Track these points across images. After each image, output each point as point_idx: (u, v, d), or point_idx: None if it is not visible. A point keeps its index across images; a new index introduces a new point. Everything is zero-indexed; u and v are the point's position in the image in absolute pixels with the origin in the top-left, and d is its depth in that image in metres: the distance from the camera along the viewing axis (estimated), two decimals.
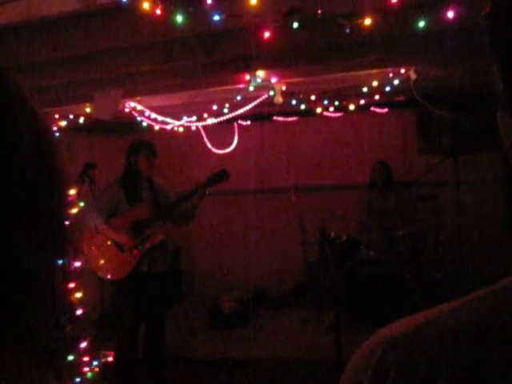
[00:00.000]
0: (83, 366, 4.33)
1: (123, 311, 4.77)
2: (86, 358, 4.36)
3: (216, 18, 2.45)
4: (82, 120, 5.77)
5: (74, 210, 4.67)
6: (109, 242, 4.70)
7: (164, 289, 5.02)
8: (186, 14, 2.48)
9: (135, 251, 4.65)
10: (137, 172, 4.80)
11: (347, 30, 2.62)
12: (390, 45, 3.67)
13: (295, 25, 2.54)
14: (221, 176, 4.92)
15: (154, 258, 4.77)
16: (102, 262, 4.71)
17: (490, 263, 6.32)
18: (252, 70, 4.26)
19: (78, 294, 4.42)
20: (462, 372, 0.55)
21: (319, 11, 2.46)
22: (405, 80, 4.80)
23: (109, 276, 4.75)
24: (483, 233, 6.51)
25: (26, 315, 0.55)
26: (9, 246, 0.54)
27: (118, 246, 4.70)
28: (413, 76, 4.70)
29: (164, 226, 4.86)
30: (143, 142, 4.89)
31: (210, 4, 2.39)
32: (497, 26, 0.61)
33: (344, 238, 6.36)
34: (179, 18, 2.51)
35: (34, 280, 0.57)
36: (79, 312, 4.37)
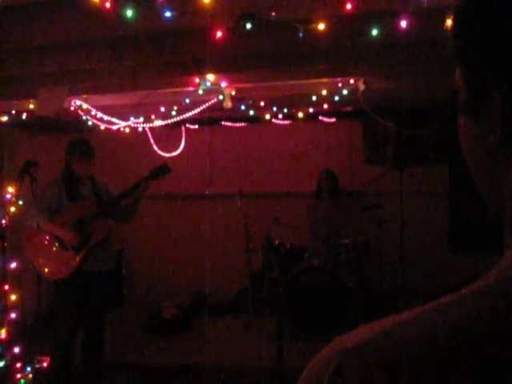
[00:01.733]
0: (16, 373, 4.17)
1: (61, 313, 4.62)
2: (18, 364, 4.21)
3: (167, 14, 2.40)
4: (24, 116, 5.59)
5: (13, 209, 4.51)
6: (50, 240, 4.56)
7: (105, 290, 4.90)
8: (137, 8, 2.42)
9: (79, 249, 4.54)
10: (75, 171, 4.70)
11: (300, 35, 2.61)
12: (340, 54, 3.70)
13: (248, 26, 2.51)
14: (163, 170, 4.82)
15: (97, 257, 4.66)
16: (44, 261, 4.57)
17: (429, 274, 6.46)
18: (202, 72, 4.22)
19: (13, 297, 4.26)
20: (423, 382, 0.53)
21: (273, 13, 2.44)
22: (353, 90, 4.85)
23: (51, 274, 4.60)
24: (424, 244, 6.64)
25: None
26: None
27: (61, 243, 4.57)
28: (361, 87, 4.76)
29: (107, 223, 4.76)
30: (78, 143, 4.75)
31: (162, 0, 2.33)
32: (462, 30, 0.60)
33: (288, 245, 6.36)
34: (129, 13, 2.44)
35: None
36: (13, 315, 4.21)
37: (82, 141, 4.82)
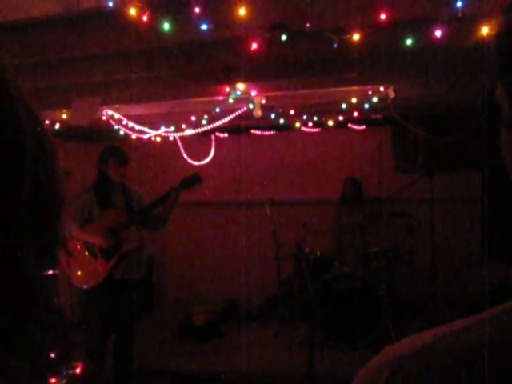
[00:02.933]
0: (51, 377, 4.23)
1: (92, 320, 4.69)
2: (54, 370, 4.27)
3: (204, 27, 2.44)
4: (58, 126, 5.69)
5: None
6: (81, 249, 4.63)
7: (135, 297, 4.95)
8: (174, 22, 2.46)
9: (110, 257, 4.60)
10: (108, 179, 4.75)
11: (335, 45, 2.62)
12: (371, 62, 3.70)
13: (283, 37, 2.53)
14: (194, 180, 4.84)
15: (128, 265, 4.71)
16: (75, 269, 4.63)
17: (461, 282, 6.39)
18: (232, 82, 4.26)
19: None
20: None
21: (307, 25, 2.46)
22: (383, 98, 4.85)
23: (83, 284, 4.67)
24: (455, 251, 6.58)
25: (26, 322, 0.53)
26: (15, 248, 0.51)
27: (91, 252, 4.63)
28: (391, 94, 4.75)
29: (138, 232, 4.81)
30: (112, 150, 4.83)
31: (198, 13, 2.37)
32: (502, 44, 0.61)
33: (318, 253, 6.36)
34: (166, 26, 2.48)
35: (38, 287, 0.54)
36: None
37: (116, 147, 4.89)
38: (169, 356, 6.02)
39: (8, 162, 0.51)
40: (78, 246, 4.64)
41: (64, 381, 4.53)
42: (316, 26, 2.53)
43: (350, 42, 2.60)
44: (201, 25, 2.43)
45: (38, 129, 0.58)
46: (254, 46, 2.76)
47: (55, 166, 0.60)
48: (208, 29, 2.45)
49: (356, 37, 2.56)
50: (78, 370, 5.06)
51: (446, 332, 0.61)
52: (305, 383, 4.50)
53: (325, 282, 5.89)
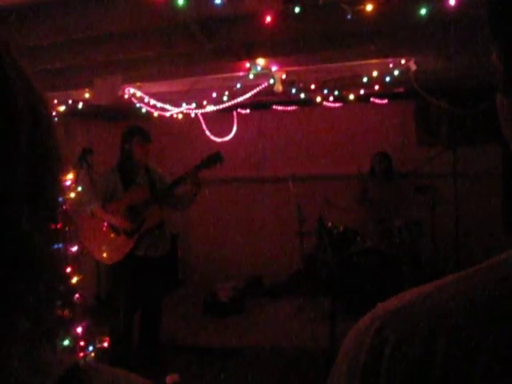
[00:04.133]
0: (79, 351, 4.33)
1: (119, 296, 4.78)
2: (81, 343, 4.36)
3: (217, 1, 2.44)
4: (80, 105, 5.74)
5: (72, 195, 4.66)
6: (104, 226, 4.71)
7: (160, 274, 5.03)
8: None
9: (132, 234, 4.68)
10: (132, 158, 4.81)
11: (348, 16, 2.61)
12: (390, 35, 3.66)
13: (297, 10, 2.52)
14: (215, 158, 4.87)
15: (150, 242, 4.79)
16: (98, 245, 4.73)
17: (487, 255, 6.34)
18: (252, 57, 4.25)
19: (74, 279, 4.42)
20: (459, 343, 0.56)
21: None
22: (405, 71, 4.79)
23: (105, 259, 4.77)
24: (480, 225, 6.53)
25: (29, 295, 0.55)
26: (15, 222, 0.54)
27: (114, 229, 4.71)
28: (413, 67, 4.69)
29: (160, 210, 4.86)
30: (136, 129, 4.89)
31: None
32: (495, 6, 0.61)
33: (341, 228, 6.37)
34: (180, 1, 2.49)
35: (40, 261, 0.57)
36: (75, 296, 4.36)
37: (139, 126, 4.95)
38: (194, 331, 6.11)
39: (2, 135, 0.53)
40: (102, 224, 4.72)
41: (92, 354, 4.64)
42: None
43: (363, 12, 2.58)
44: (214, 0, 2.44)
45: (35, 102, 0.59)
46: (268, 19, 2.75)
47: (52, 140, 0.62)
48: (221, 3, 2.45)
49: (369, 7, 2.53)
50: (105, 344, 5.18)
51: (437, 285, 0.63)
52: (327, 357, 4.54)
53: (347, 257, 5.90)
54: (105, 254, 4.73)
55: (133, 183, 4.83)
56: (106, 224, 4.72)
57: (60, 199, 0.64)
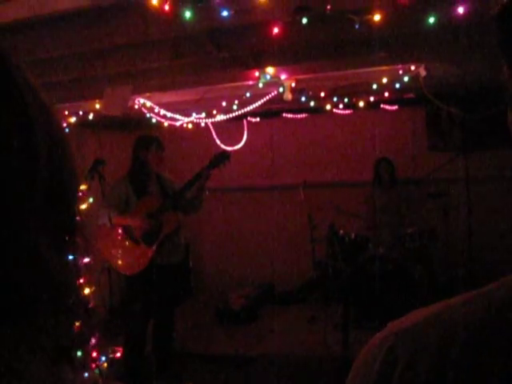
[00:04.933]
0: (91, 362, 4.34)
1: (133, 305, 4.77)
2: (94, 354, 4.38)
3: (224, 13, 2.45)
4: (91, 116, 5.77)
5: (84, 206, 4.68)
6: (123, 237, 4.70)
7: (174, 281, 5.03)
8: (195, 9, 2.48)
9: (151, 242, 4.67)
10: (146, 167, 4.82)
11: (356, 26, 2.61)
12: (399, 42, 3.65)
13: (304, 21, 2.53)
14: (222, 157, 4.93)
15: (167, 250, 4.79)
16: (118, 257, 4.72)
17: (501, 262, 6.29)
18: (261, 66, 4.25)
19: (87, 290, 4.43)
20: (471, 363, 0.55)
21: (328, 7, 2.45)
22: (414, 77, 4.78)
23: (126, 270, 4.75)
24: (493, 230, 6.48)
25: (45, 309, 0.55)
26: (30, 237, 0.54)
27: (133, 238, 4.70)
28: (422, 73, 4.67)
29: (176, 215, 4.87)
30: (152, 137, 4.94)
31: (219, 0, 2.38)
32: (506, 27, 0.61)
33: (353, 235, 6.34)
34: (187, 14, 2.51)
35: (54, 274, 0.57)
36: (88, 307, 4.37)
37: (153, 135, 4.98)
38: (206, 339, 6.11)
39: (21, 153, 0.54)
40: (120, 234, 4.71)
41: (105, 365, 4.65)
42: (336, 8, 2.52)
43: (371, 22, 2.58)
44: (221, 11, 2.45)
45: (49, 119, 0.60)
46: (276, 30, 2.76)
47: (68, 156, 0.63)
48: (229, 15, 2.46)
49: (377, 17, 2.53)
50: (118, 354, 5.19)
51: (448, 305, 0.63)
52: (339, 364, 4.52)
53: (359, 264, 5.88)
54: (125, 265, 4.72)
55: (145, 192, 4.83)
56: (122, 234, 4.71)
57: (74, 211, 0.65)
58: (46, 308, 0.56)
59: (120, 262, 4.72)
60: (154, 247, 4.70)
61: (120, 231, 4.73)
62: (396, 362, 0.60)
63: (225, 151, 4.96)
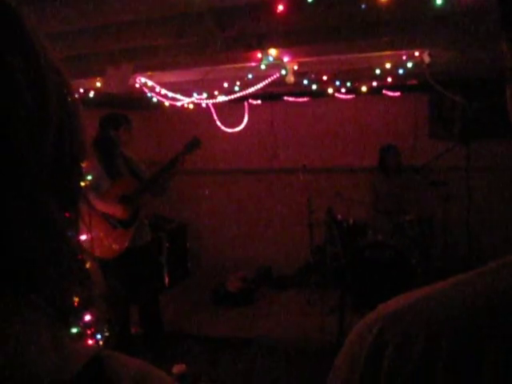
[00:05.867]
0: (87, 338, 4.34)
1: (115, 288, 4.72)
2: (89, 331, 4.38)
3: None
4: (92, 94, 5.74)
5: (82, 184, 4.65)
6: (100, 220, 4.61)
7: (148, 262, 5.02)
8: None
9: (128, 226, 4.66)
10: (116, 146, 4.78)
11: (362, 6, 2.58)
12: (404, 26, 3.62)
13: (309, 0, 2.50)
14: (194, 143, 4.92)
15: (140, 231, 4.80)
16: (96, 241, 4.52)
17: (498, 251, 6.30)
18: (264, 48, 4.22)
19: (88, 264, 4.42)
20: (462, 347, 0.54)
21: None
22: (418, 63, 4.74)
23: (105, 254, 4.63)
24: (492, 220, 6.49)
25: (51, 273, 0.55)
26: (39, 201, 0.54)
27: (110, 222, 4.66)
28: (426, 59, 4.64)
29: (152, 199, 4.88)
30: (122, 115, 4.90)
31: None
32: (505, 1, 0.59)
33: (351, 220, 6.35)
34: None
35: (61, 241, 0.57)
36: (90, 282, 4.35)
37: (124, 114, 4.95)
38: (202, 321, 6.13)
39: (33, 116, 0.53)
40: (97, 218, 4.63)
41: (100, 342, 4.66)
42: None
43: (377, 2, 2.55)
44: None
45: (64, 90, 0.60)
46: (280, 8, 2.73)
47: (80, 126, 0.63)
48: None
49: None
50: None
51: (440, 287, 0.61)
52: (335, 348, 4.53)
53: (357, 250, 5.89)
54: (104, 249, 4.61)
55: (117, 173, 4.78)
56: (99, 218, 4.59)
57: (80, 185, 0.65)
58: (52, 272, 0.56)
59: (97, 246, 4.54)
60: (132, 230, 4.68)
61: (97, 215, 4.63)
62: (386, 347, 0.58)
63: (196, 137, 4.96)
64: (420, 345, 0.56)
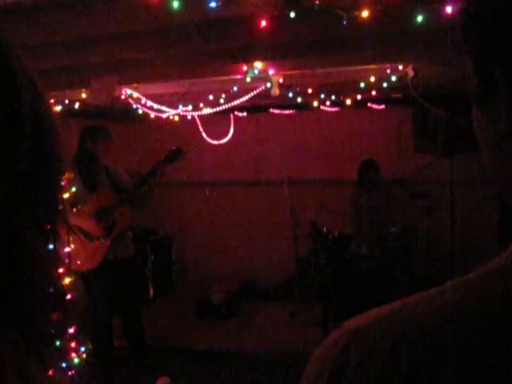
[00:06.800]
0: (70, 352, 4.30)
1: (93, 303, 4.70)
2: (73, 344, 4.34)
3: (212, 4, 2.44)
4: (77, 105, 5.73)
5: (66, 195, 4.63)
6: (77, 233, 4.57)
7: (131, 276, 4.99)
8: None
9: (105, 238, 4.62)
10: (94, 158, 4.75)
11: (344, 22, 2.61)
12: (387, 40, 3.65)
13: (292, 15, 2.52)
14: (176, 153, 4.84)
15: (119, 245, 4.75)
16: (74, 253, 4.44)
17: (481, 263, 6.33)
18: (249, 60, 4.24)
19: (67, 280, 4.40)
20: (421, 363, 0.54)
21: (317, 2, 2.45)
22: (402, 77, 4.79)
23: (81, 267, 4.59)
24: (475, 232, 6.53)
25: (21, 296, 0.54)
26: (10, 222, 0.53)
27: (86, 235, 4.62)
28: (410, 73, 4.68)
29: (130, 211, 4.83)
30: (99, 127, 4.87)
31: None
32: (467, 21, 0.61)
33: (336, 232, 6.36)
34: (175, 4, 2.49)
35: (32, 260, 0.56)
36: (68, 297, 4.33)
37: (102, 126, 4.91)
38: (187, 333, 6.11)
39: (6, 132, 0.53)
40: (74, 230, 4.59)
41: (84, 355, 4.62)
42: (325, 3, 2.52)
43: (359, 18, 2.58)
44: (209, 2, 2.43)
45: (41, 106, 0.60)
46: (263, 23, 2.75)
47: (55, 140, 0.62)
48: (216, 6, 2.44)
49: (365, 13, 2.53)
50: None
51: (406, 303, 0.61)
52: None
53: (341, 262, 5.90)
54: (81, 261, 4.56)
55: (96, 184, 4.75)
56: (77, 230, 4.57)
57: (58, 199, 0.64)
58: (25, 296, 0.55)
59: (75, 258, 4.49)
60: (108, 243, 4.65)
61: (75, 228, 4.59)
62: (348, 362, 0.58)
63: (179, 147, 4.88)
64: (380, 360, 0.56)
